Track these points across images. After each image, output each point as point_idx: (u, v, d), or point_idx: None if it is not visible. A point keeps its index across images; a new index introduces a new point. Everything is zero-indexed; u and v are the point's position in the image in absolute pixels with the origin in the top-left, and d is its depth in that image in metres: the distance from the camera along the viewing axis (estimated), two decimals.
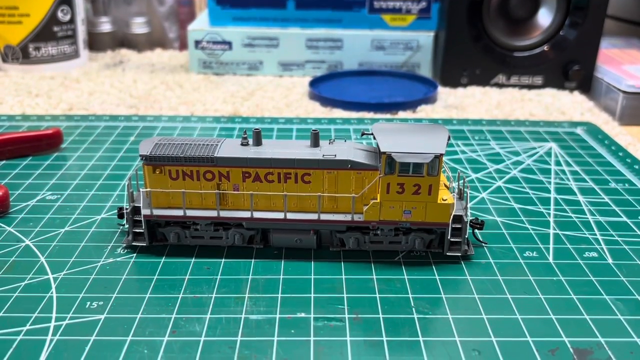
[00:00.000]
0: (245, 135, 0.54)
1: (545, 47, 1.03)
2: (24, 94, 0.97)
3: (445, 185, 0.55)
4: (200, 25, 1.11)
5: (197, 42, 1.09)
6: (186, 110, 0.92)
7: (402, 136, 0.52)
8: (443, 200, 0.52)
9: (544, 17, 1.03)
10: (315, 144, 0.54)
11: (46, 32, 1.07)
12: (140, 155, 0.53)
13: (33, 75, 1.06)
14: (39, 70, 1.08)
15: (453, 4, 1.00)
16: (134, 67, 1.15)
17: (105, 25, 1.25)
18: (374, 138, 0.52)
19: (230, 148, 0.53)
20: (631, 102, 0.91)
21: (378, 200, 0.51)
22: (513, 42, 1.03)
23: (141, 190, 0.54)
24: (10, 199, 0.62)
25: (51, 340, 0.43)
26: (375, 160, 0.52)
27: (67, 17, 1.09)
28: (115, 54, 1.24)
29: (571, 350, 0.43)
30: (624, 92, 0.91)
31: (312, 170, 0.52)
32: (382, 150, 0.50)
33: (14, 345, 0.43)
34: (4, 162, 0.72)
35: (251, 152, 0.53)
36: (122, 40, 1.29)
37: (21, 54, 1.07)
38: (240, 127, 0.85)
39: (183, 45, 1.29)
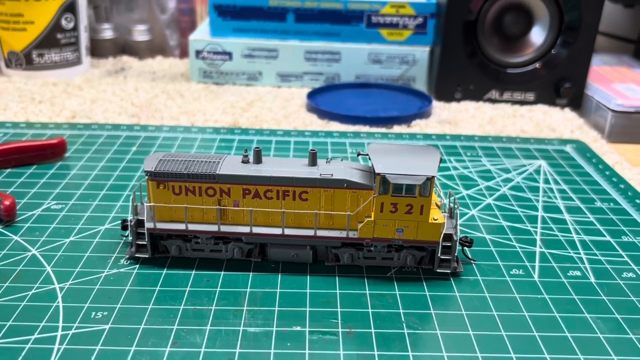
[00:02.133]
0: (246, 153, 0.56)
1: (538, 65, 1.06)
2: (28, 100, 0.99)
3: (437, 204, 0.57)
4: (201, 35, 1.13)
5: (198, 52, 1.11)
6: (187, 120, 0.94)
7: (396, 158, 0.54)
8: (434, 219, 0.54)
9: (537, 36, 1.06)
10: (313, 162, 0.56)
11: (50, 39, 1.09)
12: (144, 171, 0.55)
13: (36, 82, 1.08)
14: (42, 77, 1.10)
15: (449, 20, 1.03)
16: (135, 74, 1.18)
17: (107, 32, 1.27)
18: (369, 158, 0.54)
19: (232, 165, 0.55)
20: (619, 120, 0.94)
21: (372, 219, 0.54)
22: (506, 59, 1.06)
23: (145, 204, 0.56)
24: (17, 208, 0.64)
25: (58, 349, 0.45)
26: (370, 180, 0.55)
27: (71, 25, 1.11)
28: (117, 61, 1.26)
29: None
30: (613, 110, 0.94)
31: (310, 188, 0.55)
32: (376, 171, 0.52)
33: (22, 354, 0.45)
34: (9, 170, 0.74)
35: (251, 169, 0.55)
36: (124, 47, 1.31)
37: (24, 60, 1.09)
38: (240, 138, 0.87)
39: (184, 53, 1.31)
